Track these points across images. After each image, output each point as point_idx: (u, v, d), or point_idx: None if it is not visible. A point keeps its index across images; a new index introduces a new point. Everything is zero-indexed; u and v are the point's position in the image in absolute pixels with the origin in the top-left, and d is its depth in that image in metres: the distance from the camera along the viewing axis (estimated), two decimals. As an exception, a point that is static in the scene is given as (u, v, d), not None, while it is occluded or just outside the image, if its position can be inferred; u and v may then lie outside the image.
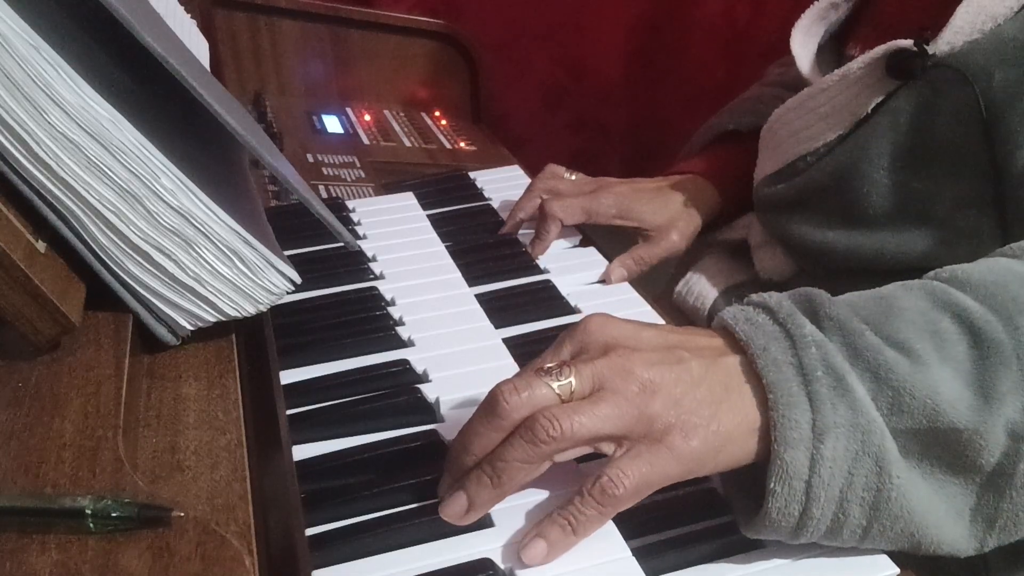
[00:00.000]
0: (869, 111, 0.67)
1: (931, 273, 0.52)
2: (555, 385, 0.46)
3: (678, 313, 0.87)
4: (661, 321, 0.70)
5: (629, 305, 0.73)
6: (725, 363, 0.48)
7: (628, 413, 0.45)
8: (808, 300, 0.49)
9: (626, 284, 0.76)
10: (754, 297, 0.51)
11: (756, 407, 0.46)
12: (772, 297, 0.50)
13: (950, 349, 0.46)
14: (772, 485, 0.44)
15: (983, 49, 0.61)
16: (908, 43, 0.63)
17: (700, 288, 0.84)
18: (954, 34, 0.62)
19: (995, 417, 0.45)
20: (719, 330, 0.50)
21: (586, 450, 0.46)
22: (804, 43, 0.76)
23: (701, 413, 0.46)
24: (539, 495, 0.50)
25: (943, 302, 0.48)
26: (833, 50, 0.78)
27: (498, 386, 0.47)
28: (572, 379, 0.46)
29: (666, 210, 0.82)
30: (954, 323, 0.47)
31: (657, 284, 0.87)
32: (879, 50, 0.64)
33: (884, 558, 0.47)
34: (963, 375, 0.46)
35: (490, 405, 0.46)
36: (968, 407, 0.45)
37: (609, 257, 0.80)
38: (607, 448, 0.46)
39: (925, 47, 0.62)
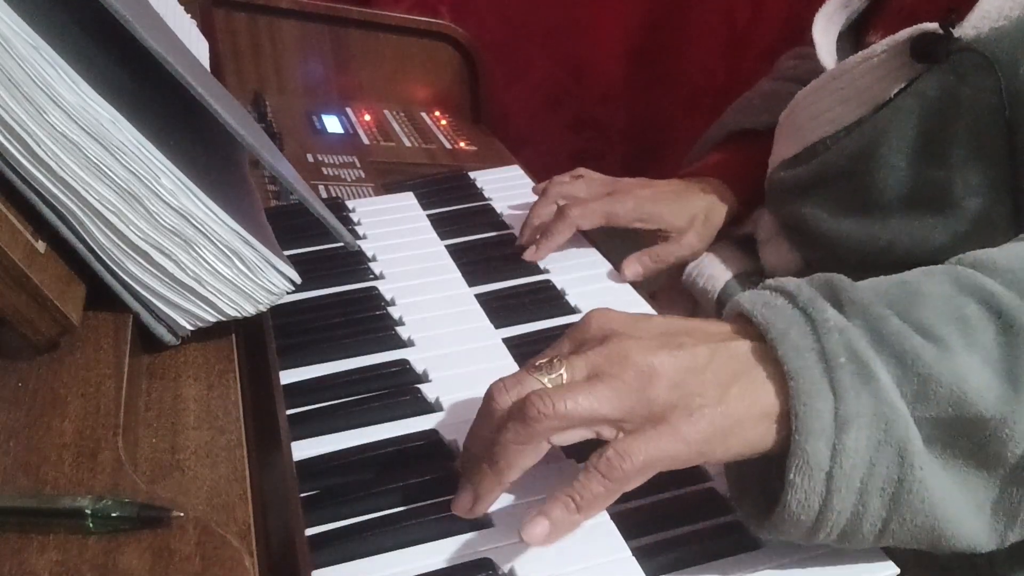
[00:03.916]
0: (891, 95, 0.66)
1: (954, 258, 0.51)
2: (545, 379, 0.45)
3: (685, 299, 0.87)
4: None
5: (629, 305, 0.73)
6: (734, 347, 0.47)
7: (626, 396, 0.44)
8: (829, 284, 0.48)
9: (627, 284, 0.76)
10: (771, 282, 0.49)
11: (771, 392, 0.45)
12: (791, 281, 0.48)
13: (977, 336, 0.45)
14: (792, 476, 0.43)
15: (1010, 36, 0.60)
16: (933, 26, 0.62)
17: (712, 271, 0.83)
18: (981, 18, 0.61)
19: (1023, 407, 0.43)
20: (732, 316, 0.49)
21: (586, 434, 0.45)
22: (826, 30, 0.75)
23: (707, 395, 0.44)
24: (540, 496, 0.50)
25: (969, 287, 0.47)
26: (853, 39, 0.77)
27: (490, 387, 0.47)
28: (563, 372, 0.45)
29: (686, 212, 0.81)
30: (981, 308, 0.46)
31: (658, 278, 0.86)
32: (904, 33, 0.64)
33: (886, 559, 0.47)
34: (991, 362, 0.45)
35: (484, 406, 0.47)
36: (996, 396, 0.44)
37: (611, 257, 0.80)
38: (607, 433, 0.45)
39: (951, 30, 0.61)
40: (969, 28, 0.61)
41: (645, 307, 0.72)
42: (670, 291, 0.85)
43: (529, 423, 0.44)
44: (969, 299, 0.46)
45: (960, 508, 0.45)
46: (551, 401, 0.44)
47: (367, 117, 1.18)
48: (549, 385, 0.45)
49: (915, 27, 0.63)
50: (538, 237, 0.79)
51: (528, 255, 0.78)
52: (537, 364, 0.47)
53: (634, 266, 0.77)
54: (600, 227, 0.80)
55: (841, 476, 0.43)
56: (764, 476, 0.47)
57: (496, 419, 0.46)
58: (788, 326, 0.45)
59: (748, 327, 0.47)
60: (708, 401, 0.44)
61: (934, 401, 0.44)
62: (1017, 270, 0.47)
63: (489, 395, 0.47)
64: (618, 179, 0.83)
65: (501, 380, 0.47)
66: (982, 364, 0.44)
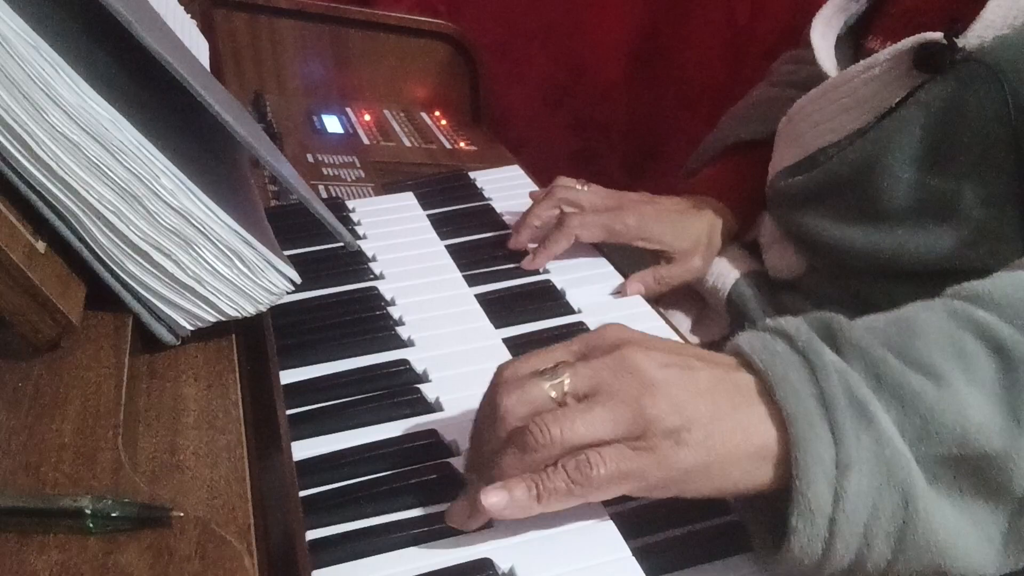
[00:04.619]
0: (893, 105, 0.65)
1: (949, 291, 0.50)
2: (546, 385, 0.45)
3: (692, 301, 0.86)
4: (660, 320, 0.70)
5: (629, 305, 0.73)
6: (738, 378, 0.47)
7: (623, 416, 0.44)
8: (826, 326, 0.47)
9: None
10: (769, 323, 0.49)
11: (769, 431, 0.45)
12: (789, 323, 0.48)
13: (977, 370, 0.45)
14: (794, 522, 0.43)
15: (1013, 45, 0.59)
16: (937, 36, 0.61)
17: (720, 269, 0.82)
18: (984, 28, 0.60)
19: None
20: (733, 354, 0.49)
21: None
22: (824, 34, 0.75)
23: (698, 425, 0.44)
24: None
25: (966, 321, 0.47)
26: (850, 43, 0.76)
27: (492, 388, 0.47)
28: (566, 378, 0.46)
29: (689, 235, 0.80)
30: (979, 343, 0.46)
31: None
32: (907, 42, 0.63)
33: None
34: (992, 397, 0.44)
35: (487, 408, 0.47)
36: (999, 431, 0.43)
37: (612, 258, 0.79)
38: None
39: (955, 40, 0.61)
40: (973, 37, 0.60)
41: (645, 307, 0.73)
42: (676, 293, 0.85)
43: (528, 452, 0.44)
44: (967, 334, 0.46)
45: (969, 542, 0.44)
46: (548, 431, 0.44)
47: (367, 117, 1.18)
48: (549, 388, 0.45)
49: (918, 36, 0.62)
50: (531, 246, 0.78)
51: (525, 263, 0.78)
52: (541, 370, 0.47)
53: (636, 285, 0.76)
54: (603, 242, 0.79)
55: (844, 520, 0.43)
56: (773, 507, 0.47)
57: (497, 431, 0.46)
58: (787, 370, 0.45)
59: (751, 365, 0.47)
60: (697, 434, 0.44)
61: (937, 439, 0.44)
62: (1014, 302, 0.47)
63: (491, 399, 0.47)
64: (623, 193, 0.81)
65: (502, 380, 0.47)
66: (983, 399, 0.44)
